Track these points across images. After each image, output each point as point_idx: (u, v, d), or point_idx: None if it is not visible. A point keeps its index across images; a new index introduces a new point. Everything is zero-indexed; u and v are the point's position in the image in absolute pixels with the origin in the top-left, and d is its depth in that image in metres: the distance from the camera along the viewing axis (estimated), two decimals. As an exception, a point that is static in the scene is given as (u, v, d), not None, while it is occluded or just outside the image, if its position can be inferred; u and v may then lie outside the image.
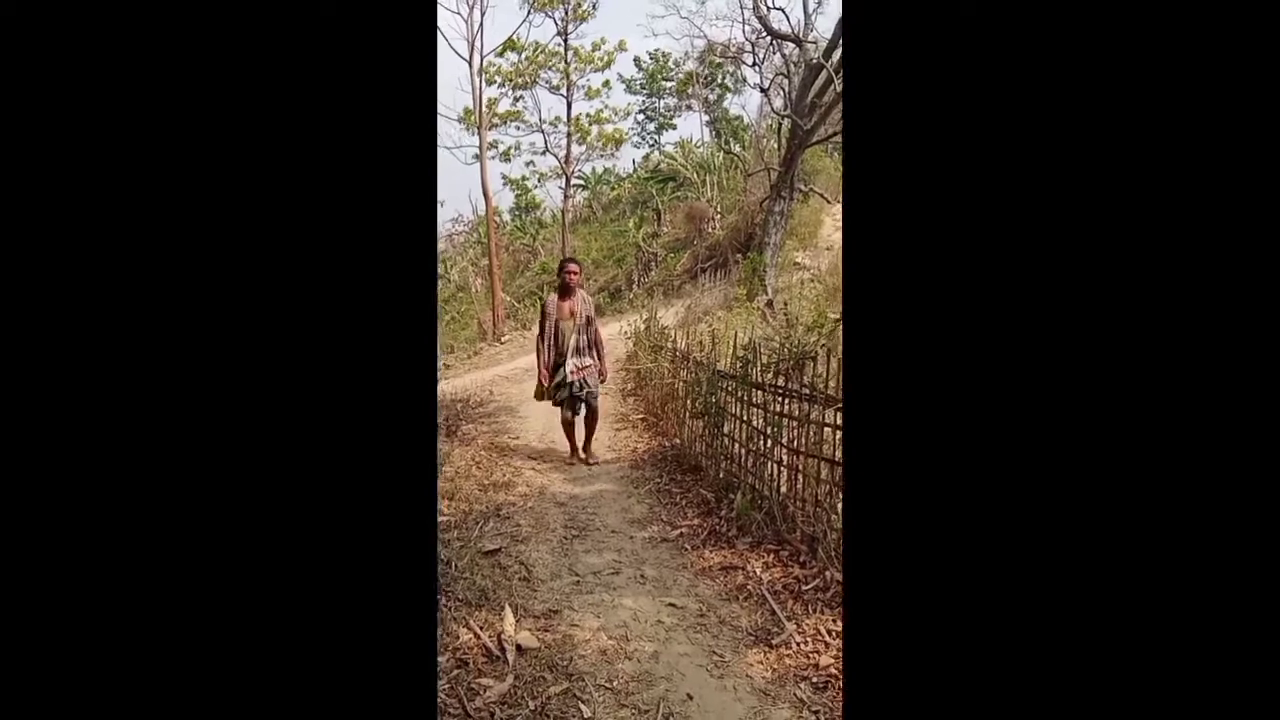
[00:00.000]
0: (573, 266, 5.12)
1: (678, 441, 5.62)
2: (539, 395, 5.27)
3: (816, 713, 2.26)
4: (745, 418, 4.13)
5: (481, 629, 2.73)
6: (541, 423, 6.59)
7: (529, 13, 14.80)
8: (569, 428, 5.24)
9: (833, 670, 2.46)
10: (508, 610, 2.89)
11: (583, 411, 5.18)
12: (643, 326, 8.42)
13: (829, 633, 2.68)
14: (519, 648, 2.63)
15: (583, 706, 2.31)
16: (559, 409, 5.21)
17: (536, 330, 5.15)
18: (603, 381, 5.43)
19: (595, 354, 5.15)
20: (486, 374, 10.29)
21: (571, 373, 4.97)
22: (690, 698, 2.35)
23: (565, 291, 5.08)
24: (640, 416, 6.93)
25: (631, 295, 14.07)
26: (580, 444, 5.32)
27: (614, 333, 10.19)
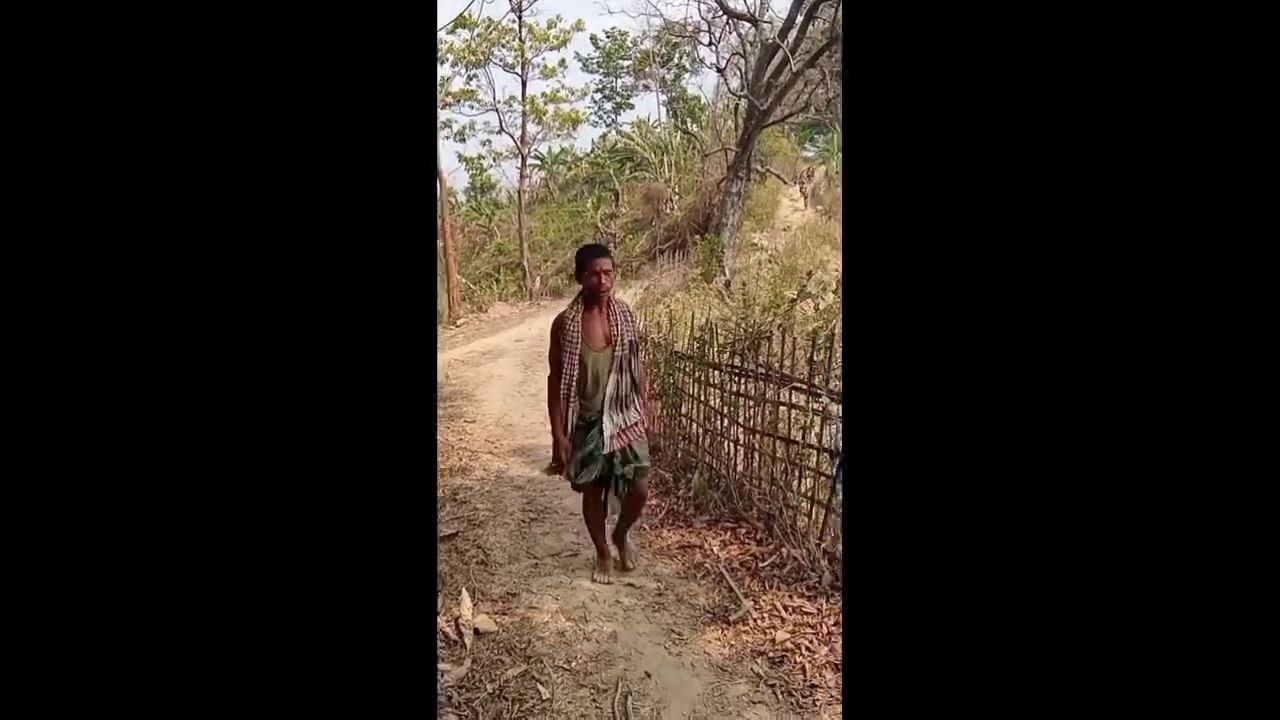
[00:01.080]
0: (605, 263, 2.79)
1: (636, 422, 5.63)
2: (556, 470, 3.02)
3: (773, 686, 2.30)
4: (702, 398, 4.15)
5: (439, 613, 2.71)
6: (498, 406, 6.53)
7: (481, -12, 14.48)
8: (596, 520, 3.09)
9: (789, 645, 2.50)
10: (465, 594, 2.87)
11: (617, 492, 3.01)
12: (601, 308, 8.38)
13: (785, 608, 2.73)
14: (476, 631, 2.62)
15: (541, 688, 2.31)
16: (583, 492, 3.04)
17: (549, 369, 2.89)
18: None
19: (640, 400, 2.94)
20: (442, 358, 10.16)
21: (612, 438, 2.80)
22: (648, 676, 2.37)
23: (594, 301, 2.82)
24: (599, 398, 6.91)
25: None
26: (610, 534, 3.16)
27: (572, 314, 10.12)
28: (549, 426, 3.00)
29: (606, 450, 2.81)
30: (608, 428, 2.80)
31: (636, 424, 2.89)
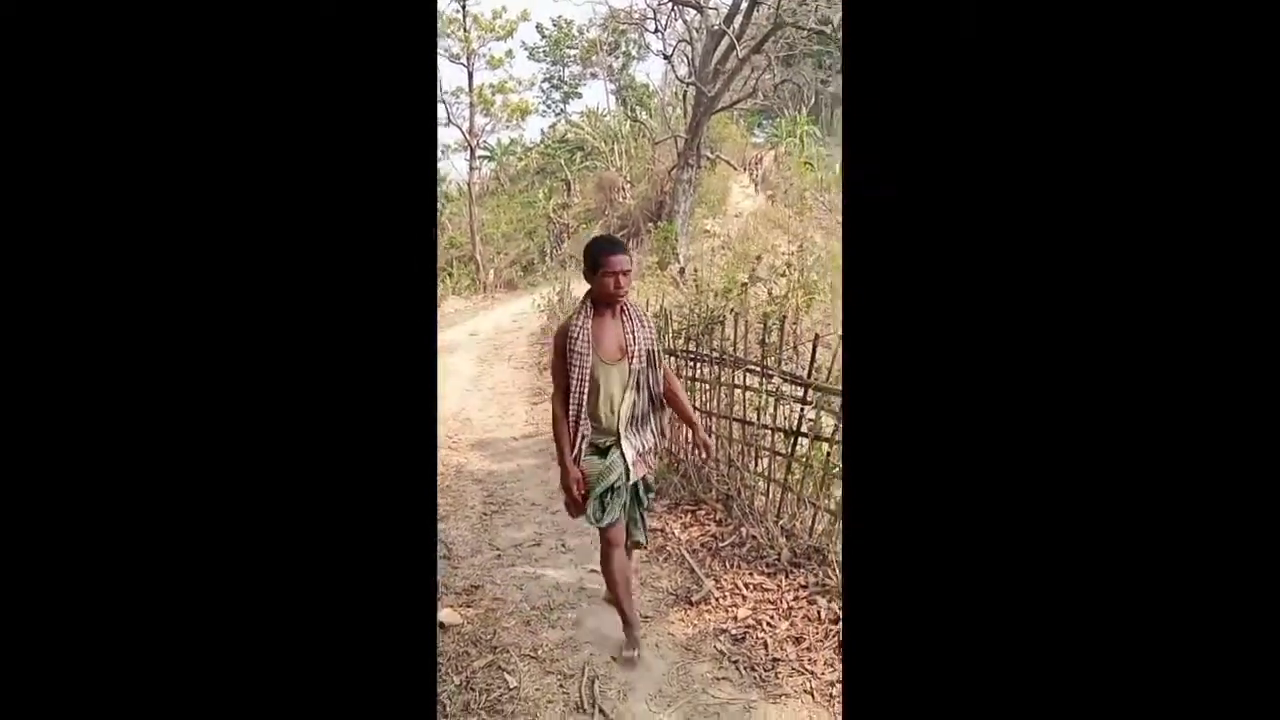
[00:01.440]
0: (624, 261, 2.25)
1: (595, 412, 5.63)
2: (575, 509, 2.38)
3: (736, 663, 2.36)
4: (659, 384, 4.18)
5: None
6: (455, 401, 6.48)
7: (422, -24, 14.15)
8: (624, 573, 2.45)
9: (750, 621, 2.56)
10: (428, 589, 2.86)
11: (641, 537, 2.52)
12: (556, 299, 8.37)
13: (746, 586, 2.78)
14: (441, 625, 2.62)
15: (508, 677, 2.33)
16: (608, 539, 2.38)
17: (553, 385, 2.38)
18: (707, 459, 2.89)
19: (662, 419, 2.55)
20: (397, 354, 9.99)
21: (635, 465, 2.34)
22: (614, 660, 2.40)
23: (605, 304, 2.29)
24: (557, 389, 6.90)
25: (544, 268, 13.91)
26: (619, 596, 2.46)
27: (527, 306, 10.07)
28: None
29: (632, 480, 2.34)
30: (629, 454, 2.32)
31: (653, 449, 2.43)
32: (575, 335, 2.26)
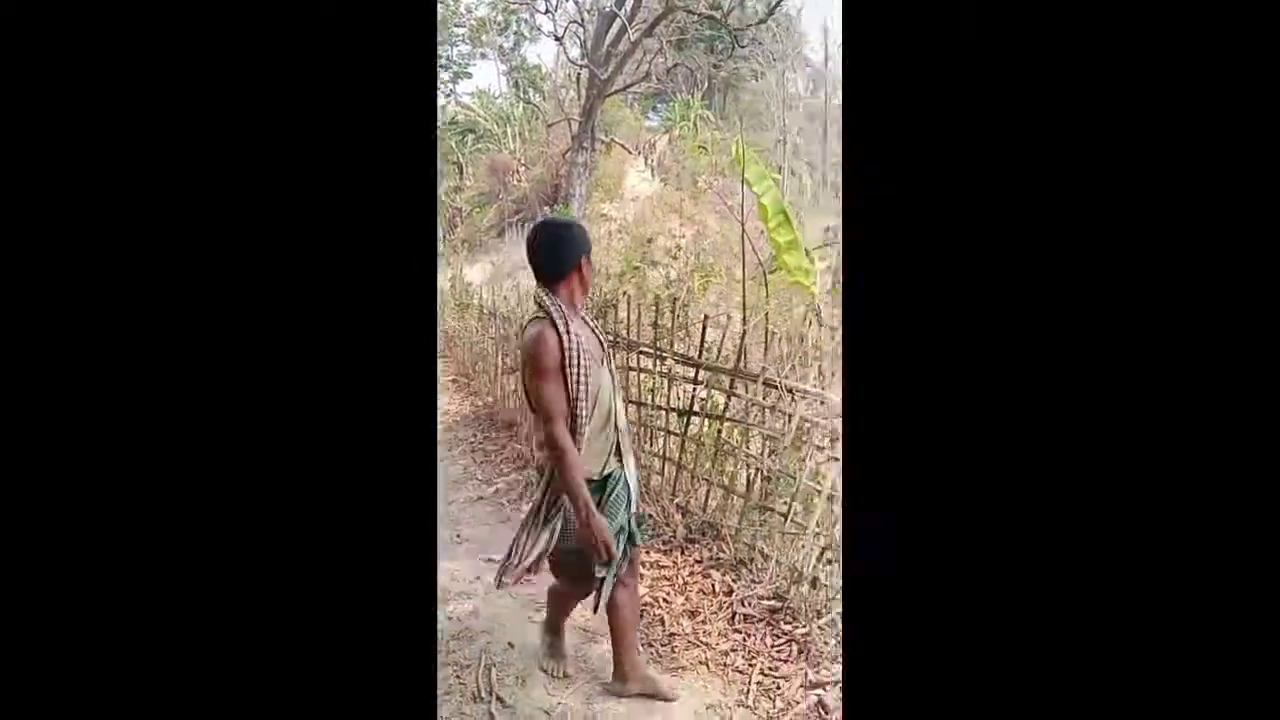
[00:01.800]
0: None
1: (491, 399, 5.56)
2: (583, 582, 2.00)
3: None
4: (555, 369, 4.15)
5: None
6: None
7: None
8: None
9: (647, 599, 2.60)
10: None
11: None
12: (449, 285, 8.17)
13: (642, 564, 2.82)
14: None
15: (401, 673, 2.26)
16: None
17: (546, 419, 1.78)
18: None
19: None
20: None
21: (639, 483, 2.06)
22: (511, 646, 2.39)
23: (576, 297, 1.91)
24: (450, 378, 6.75)
25: (436, 254, 13.51)
26: (620, 657, 2.11)
27: (420, 293, 9.75)
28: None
29: (636, 507, 1.93)
30: (632, 477, 1.92)
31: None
32: (572, 345, 1.76)
